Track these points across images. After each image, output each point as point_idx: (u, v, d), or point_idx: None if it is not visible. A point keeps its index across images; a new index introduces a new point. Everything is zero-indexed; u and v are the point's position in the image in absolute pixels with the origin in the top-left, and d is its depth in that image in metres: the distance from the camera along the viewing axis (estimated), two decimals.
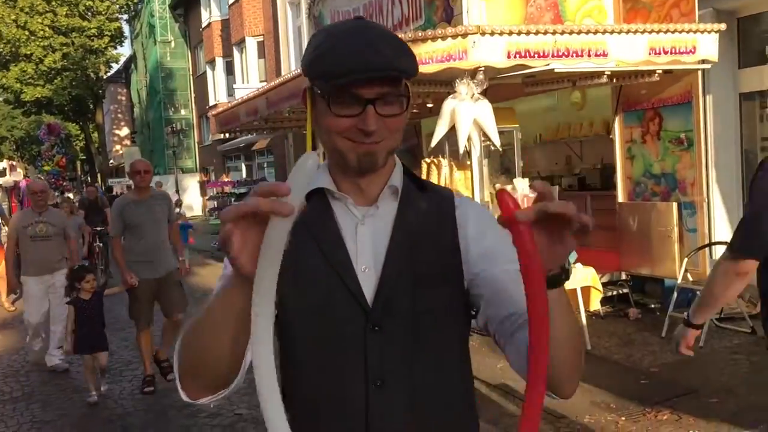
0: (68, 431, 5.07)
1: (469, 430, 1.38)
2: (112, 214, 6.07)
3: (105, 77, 37.68)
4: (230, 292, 1.07)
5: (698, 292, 7.32)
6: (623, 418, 4.54)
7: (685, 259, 6.80)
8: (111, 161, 41.86)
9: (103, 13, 32.33)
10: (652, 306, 7.41)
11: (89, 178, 38.84)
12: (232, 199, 17.69)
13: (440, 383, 1.31)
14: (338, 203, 1.34)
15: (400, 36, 1.38)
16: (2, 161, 45.81)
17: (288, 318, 1.30)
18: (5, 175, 28.74)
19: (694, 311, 2.63)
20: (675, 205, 7.25)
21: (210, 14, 27.47)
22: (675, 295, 6.50)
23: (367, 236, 1.32)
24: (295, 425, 1.35)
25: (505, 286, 1.28)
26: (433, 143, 6.47)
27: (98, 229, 12.22)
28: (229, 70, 26.20)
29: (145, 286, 5.84)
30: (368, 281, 1.29)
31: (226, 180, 21.51)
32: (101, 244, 12.23)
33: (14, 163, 45.45)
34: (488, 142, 6.49)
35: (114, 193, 17.10)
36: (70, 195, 24.73)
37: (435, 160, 7.41)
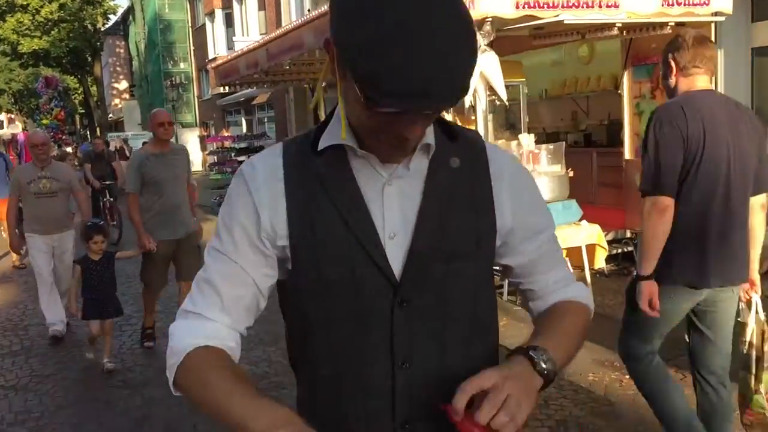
0: (68, 385, 5.04)
1: None
2: (129, 168, 5.56)
3: (102, 29, 37.14)
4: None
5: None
6: (627, 377, 4.49)
7: None
8: (110, 115, 41.51)
9: None
10: None
11: (88, 132, 38.57)
12: (232, 154, 17.52)
13: (470, 359, 1.18)
14: (360, 161, 1.15)
15: None
16: (0, 114, 45.44)
17: (305, 293, 1.17)
18: (2, 127, 28.48)
19: (639, 264, 2.92)
20: None
21: None
22: None
23: (394, 199, 1.15)
24: (316, 405, 1.22)
25: (535, 266, 1.28)
26: None
27: (107, 183, 11.65)
28: (229, 22, 25.76)
29: (162, 248, 5.45)
30: (396, 251, 1.13)
31: (226, 134, 21.28)
32: (111, 199, 11.65)
33: (13, 116, 45.12)
34: (493, 97, 6.33)
35: (110, 148, 16.75)
36: (69, 149, 24.56)
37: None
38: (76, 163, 12.55)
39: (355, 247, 1.12)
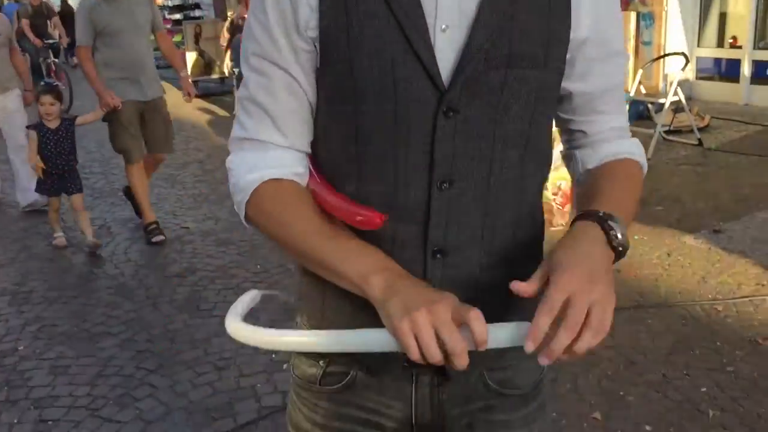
0: (6, 244, 4.90)
1: (538, 238, 1.10)
2: (77, 17, 4.74)
3: None
4: (344, 280, 0.94)
5: (649, 105, 7.32)
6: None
7: (640, 71, 6.69)
8: None
9: None
10: None
11: None
12: (165, 13, 16.57)
13: (520, 189, 1.00)
14: None
15: None
16: None
17: (333, 92, 0.97)
18: None
19: None
20: (634, 14, 7.02)
21: None
22: (627, 107, 6.45)
23: None
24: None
25: (599, 100, 1.06)
26: None
27: (49, 42, 10.52)
28: None
29: (130, 107, 4.66)
30: (447, 47, 0.92)
31: None
32: (56, 60, 10.57)
33: None
34: None
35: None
36: None
37: None
38: (20, 15, 11.05)
39: (396, 36, 0.92)
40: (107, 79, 4.60)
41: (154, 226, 4.84)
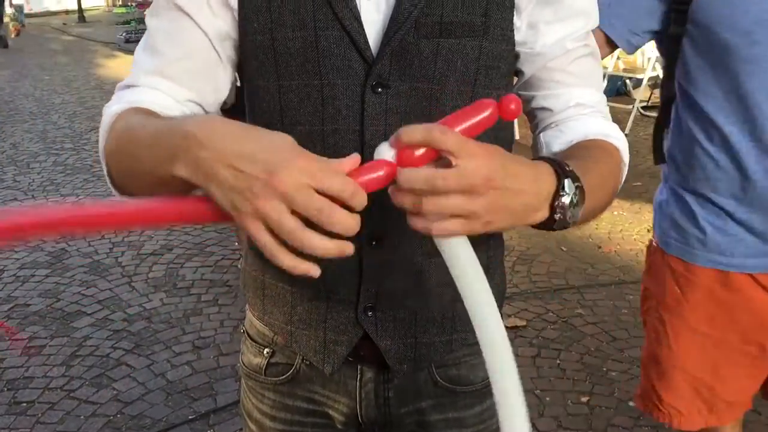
0: None
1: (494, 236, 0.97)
2: None
3: None
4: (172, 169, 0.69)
5: (627, 80, 7.30)
6: None
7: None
8: None
9: None
10: None
11: None
12: None
13: None
14: None
15: None
16: None
17: (254, 65, 0.90)
18: None
19: None
20: None
21: None
22: (605, 82, 6.45)
23: None
24: None
25: (559, 73, 0.92)
26: None
27: None
28: None
29: None
30: (374, 16, 0.85)
31: None
32: None
33: None
34: None
35: None
36: None
37: None
38: None
39: (320, 4, 0.84)
40: None
41: None
